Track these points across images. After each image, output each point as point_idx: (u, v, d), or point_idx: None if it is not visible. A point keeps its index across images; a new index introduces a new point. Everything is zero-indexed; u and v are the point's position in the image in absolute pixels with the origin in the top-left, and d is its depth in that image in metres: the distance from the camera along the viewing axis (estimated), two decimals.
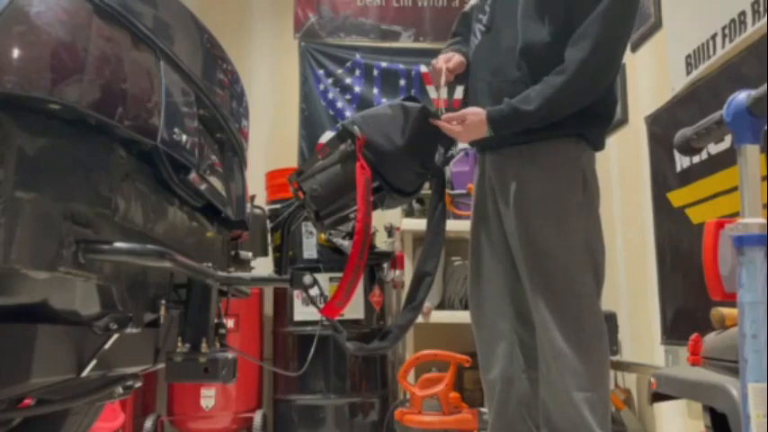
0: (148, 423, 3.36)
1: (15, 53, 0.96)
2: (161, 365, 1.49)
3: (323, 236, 3.57)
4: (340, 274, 1.70)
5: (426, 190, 1.97)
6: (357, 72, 4.56)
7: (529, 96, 1.79)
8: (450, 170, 3.61)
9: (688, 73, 2.70)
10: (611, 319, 3.04)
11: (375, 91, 4.54)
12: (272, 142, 4.31)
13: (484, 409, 3.10)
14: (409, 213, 3.69)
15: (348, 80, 4.55)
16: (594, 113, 1.86)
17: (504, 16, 1.92)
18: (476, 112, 1.85)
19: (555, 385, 1.82)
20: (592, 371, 1.80)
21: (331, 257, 3.59)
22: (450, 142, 1.95)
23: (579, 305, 1.82)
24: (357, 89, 4.54)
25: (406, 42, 4.66)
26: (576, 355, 1.79)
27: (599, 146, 1.95)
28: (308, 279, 1.66)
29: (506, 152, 1.91)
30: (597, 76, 1.81)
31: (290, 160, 4.30)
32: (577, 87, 1.78)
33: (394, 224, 3.92)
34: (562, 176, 1.85)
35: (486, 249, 2.01)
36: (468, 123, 1.84)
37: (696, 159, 2.60)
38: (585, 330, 1.81)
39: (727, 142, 2.34)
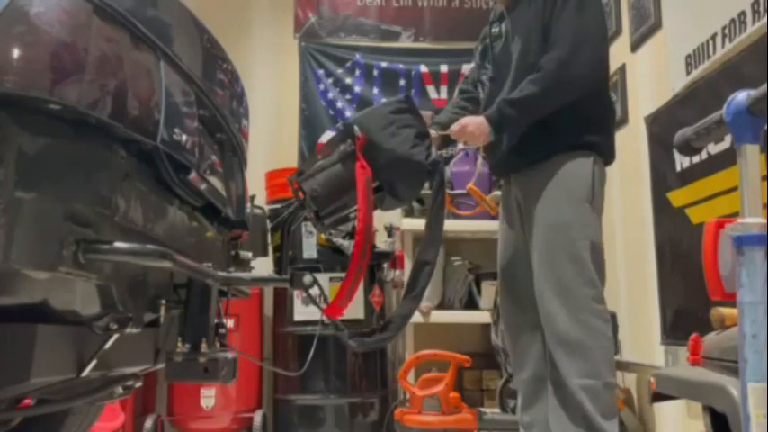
0: (148, 423, 3.36)
1: (15, 53, 0.96)
2: (161, 365, 1.49)
3: (323, 236, 3.57)
4: (340, 274, 1.71)
5: (426, 190, 1.97)
6: (357, 72, 4.55)
7: (514, 92, 2.07)
8: (450, 170, 3.61)
9: (688, 73, 2.70)
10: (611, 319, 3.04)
11: (375, 91, 4.54)
12: (272, 142, 4.30)
13: (484, 409, 3.10)
14: (409, 213, 3.70)
15: (348, 80, 4.54)
16: (596, 121, 2.10)
17: (505, 68, 2.21)
18: (473, 119, 2.11)
19: (558, 374, 1.97)
20: (594, 360, 1.93)
21: (331, 257, 3.58)
22: (449, 142, 2.18)
23: (584, 296, 1.97)
24: (357, 89, 4.54)
25: (405, 42, 4.66)
26: (578, 345, 1.94)
27: (608, 156, 2.17)
28: (307, 279, 1.66)
29: (527, 171, 2.15)
30: (572, 73, 2.02)
31: (290, 160, 4.30)
32: (554, 80, 2.01)
33: (394, 224, 3.92)
34: (572, 184, 2.07)
35: (515, 260, 2.22)
36: (470, 131, 2.08)
37: (696, 159, 2.60)
38: (589, 322, 1.96)
39: (727, 142, 2.34)
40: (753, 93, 1.06)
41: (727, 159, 2.37)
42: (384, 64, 4.57)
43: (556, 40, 2.03)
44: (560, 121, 2.06)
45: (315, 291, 1.68)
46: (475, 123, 2.08)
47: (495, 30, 2.30)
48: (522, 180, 2.19)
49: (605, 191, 2.16)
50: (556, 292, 1.99)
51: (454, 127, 2.12)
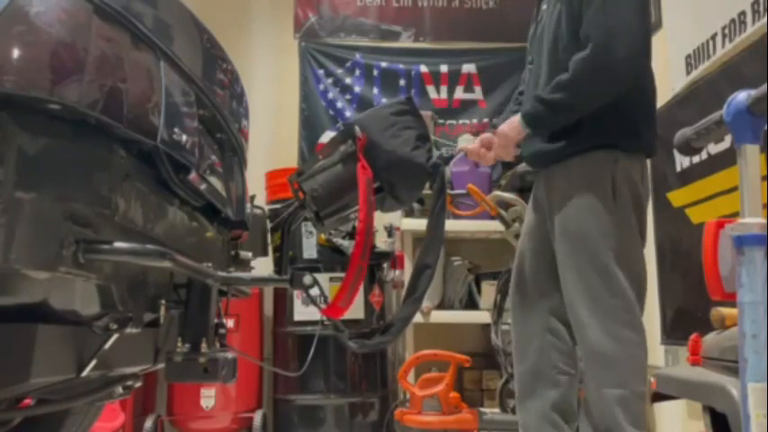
0: (148, 423, 3.36)
1: (15, 53, 0.96)
2: (161, 365, 1.49)
3: (323, 236, 3.57)
4: (340, 275, 1.71)
5: (427, 189, 1.97)
6: (357, 72, 4.56)
7: (544, 91, 2.02)
8: (450, 170, 3.61)
9: (688, 73, 2.70)
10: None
11: (375, 91, 4.54)
12: (272, 142, 4.30)
13: (484, 409, 3.10)
14: (409, 213, 3.69)
15: (348, 80, 4.55)
16: (620, 114, 1.97)
17: (539, 55, 2.16)
18: (506, 125, 2.10)
19: (589, 383, 1.94)
20: (624, 369, 1.89)
21: (331, 257, 3.58)
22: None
23: (613, 307, 1.92)
24: (357, 89, 4.54)
25: (405, 42, 4.66)
26: (608, 356, 1.89)
27: (637, 149, 2.02)
28: (307, 279, 1.66)
29: (553, 168, 2.09)
30: (596, 73, 1.91)
31: (290, 160, 4.30)
32: (579, 84, 1.92)
33: (394, 224, 3.92)
34: (590, 189, 1.98)
35: (531, 256, 2.18)
36: (498, 143, 2.10)
37: (696, 159, 2.61)
38: (619, 333, 1.91)
39: (727, 142, 2.34)
40: (753, 93, 1.06)
41: (727, 159, 2.38)
42: (384, 64, 4.57)
43: (585, 38, 1.91)
44: (582, 118, 1.98)
45: (315, 291, 1.68)
46: (503, 133, 2.09)
47: (544, 6, 2.15)
48: (546, 177, 2.14)
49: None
50: (585, 302, 1.95)
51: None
